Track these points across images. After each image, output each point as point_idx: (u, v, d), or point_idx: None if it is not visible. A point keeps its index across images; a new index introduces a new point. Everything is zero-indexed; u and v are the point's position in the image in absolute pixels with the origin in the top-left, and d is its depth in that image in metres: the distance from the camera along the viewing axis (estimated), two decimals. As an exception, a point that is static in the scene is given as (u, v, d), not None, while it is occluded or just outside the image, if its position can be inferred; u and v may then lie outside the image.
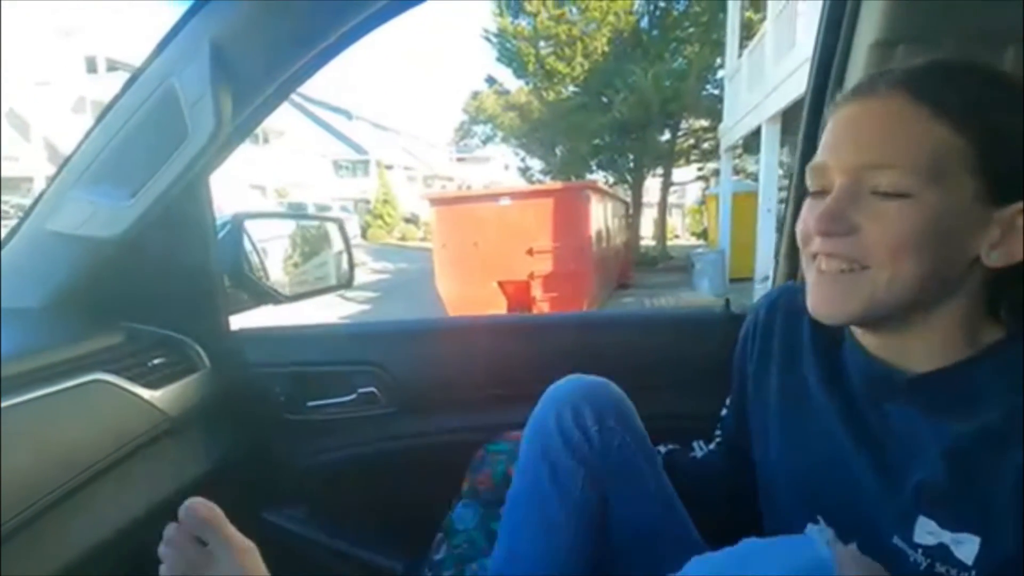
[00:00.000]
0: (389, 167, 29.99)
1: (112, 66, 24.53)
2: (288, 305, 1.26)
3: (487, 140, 21.10)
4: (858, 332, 0.66)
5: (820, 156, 0.61)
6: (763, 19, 10.52)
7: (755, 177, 12.59)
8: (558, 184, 10.79)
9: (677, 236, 27.60)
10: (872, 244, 0.56)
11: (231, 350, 1.09)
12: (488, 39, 17.11)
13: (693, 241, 23.31)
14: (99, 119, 0.90)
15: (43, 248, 0.93)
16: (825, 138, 0.61)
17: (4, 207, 13.54)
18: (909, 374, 0.61)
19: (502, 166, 31.51)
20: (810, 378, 0.72)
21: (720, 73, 14.93)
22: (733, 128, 12.03)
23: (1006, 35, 0.51)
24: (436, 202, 8.77)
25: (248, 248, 1.21)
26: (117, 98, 0.87)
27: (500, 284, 8.38)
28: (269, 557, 1.13)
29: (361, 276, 14.93)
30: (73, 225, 0.89)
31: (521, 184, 17.14)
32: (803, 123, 1.13)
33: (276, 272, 1.40)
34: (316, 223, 1.66)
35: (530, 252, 8.18)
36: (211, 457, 1.01)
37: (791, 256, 1.13)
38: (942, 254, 0.55)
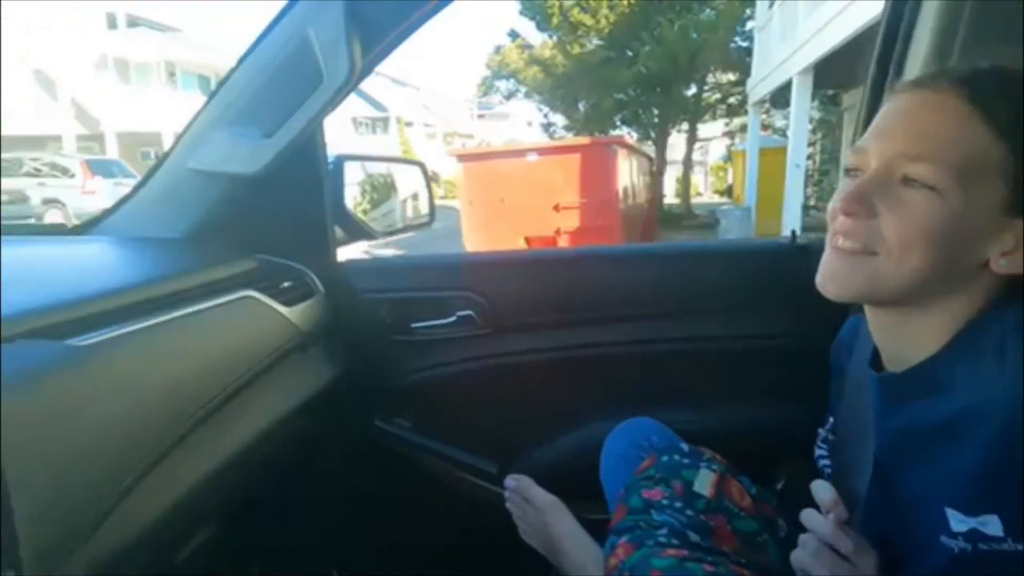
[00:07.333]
0: (409, 124, 29.79)
1: (133, 22, 24.48)
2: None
3: (510, 96, 20.83)
4: (867, 309, 0.69)
5: (864, 139, 0.63)
6: (797, -33, 10.22)
7: (781, 133, 12.39)
8: (585, 139, 10.66)
9: (700, 194, 27.26)
10: (885, 233, 0.58)
11: (340, 279, 1.21)
12: (511, -9, 16.74)
13: (716, 199, 23.05)
14: (233, 69, 1.00)
15: (184, 184, 1.04)
16: (874, 122, 0.64)
17: (34, 165, 13.73)
18: (888, 372, 0.66)
19: (523, 122, 31.12)
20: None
21: (750, 25, 14.58)
22: (762, 81, 11.80)
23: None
24: (464, 158, 8.72)
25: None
26: (252, 48, 0.97)
27: (527, 240, 8.41)
28: (381, 458, 1.28)
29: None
30: (214, 162, 1.00)
31: (544, 140, 16.98)
32: (864, 98, 1.18)
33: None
34: (384, 171, 1.76)
35: (556, 208, 8.18)
36: (330, 371, 1.13)
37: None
38: (951, 254, 0.57)
